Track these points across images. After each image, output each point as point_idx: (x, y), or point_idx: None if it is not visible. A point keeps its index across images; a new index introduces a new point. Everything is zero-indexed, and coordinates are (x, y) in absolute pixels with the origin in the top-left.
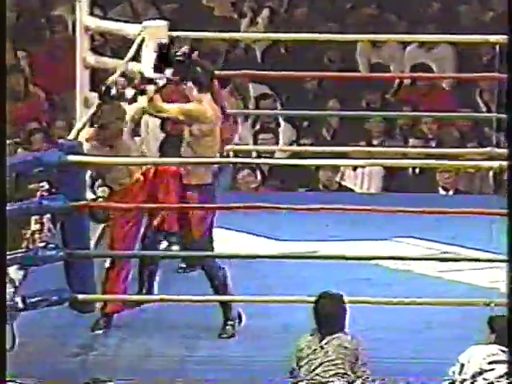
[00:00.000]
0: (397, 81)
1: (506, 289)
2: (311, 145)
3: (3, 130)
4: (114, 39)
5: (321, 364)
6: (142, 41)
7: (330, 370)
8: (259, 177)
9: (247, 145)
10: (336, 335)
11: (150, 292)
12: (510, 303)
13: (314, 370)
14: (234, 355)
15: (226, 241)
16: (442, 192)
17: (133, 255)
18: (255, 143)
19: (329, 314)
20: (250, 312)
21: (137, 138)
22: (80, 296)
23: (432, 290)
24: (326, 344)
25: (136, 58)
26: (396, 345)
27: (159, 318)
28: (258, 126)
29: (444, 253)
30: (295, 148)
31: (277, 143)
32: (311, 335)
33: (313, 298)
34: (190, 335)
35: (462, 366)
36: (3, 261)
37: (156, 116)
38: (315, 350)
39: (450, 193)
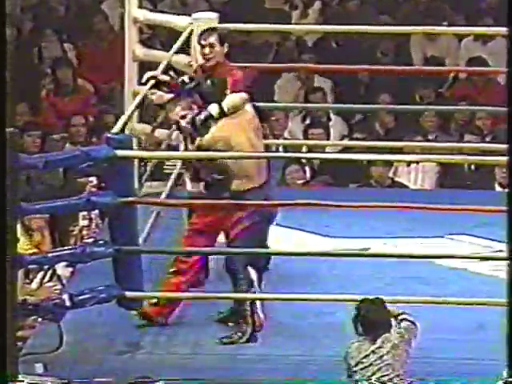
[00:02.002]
0: (451, 74)
1: (507, 285)
2: (363, 139)
3: (3, 130)
4: (163, 32)
5: (379, 369)
6: (191, 33)
7: (390, 373)
8: (309, 172)
9: (297, 139)
10: (385, 336)
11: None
12: (510, 301)
13: (372, 375)
14: (284, 354)
15: (275, 238)
16: (498, 189)
17: (180, 252)
18: (305, 138)
19: (374, 320)
20: (301, 311)
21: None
22: (128, 293)
23: (486, 290)
24: (378, 348)
25: (184, 50)
26: (449, 345)
27: (208, 315)
28: (308, 121)
29: (499, 251)
30: (347, 142)
31: (327, 138)
32: (358, 341)
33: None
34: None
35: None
36: (3, 260)
37: None
38: (367, 355)
39: (507, 189)
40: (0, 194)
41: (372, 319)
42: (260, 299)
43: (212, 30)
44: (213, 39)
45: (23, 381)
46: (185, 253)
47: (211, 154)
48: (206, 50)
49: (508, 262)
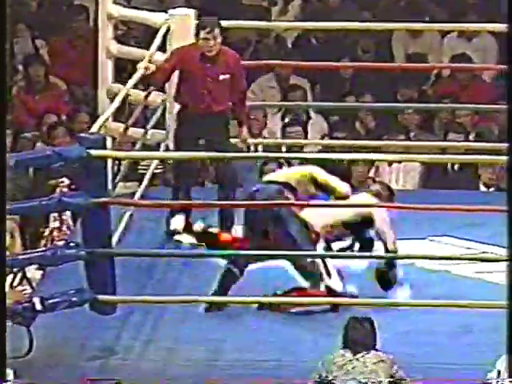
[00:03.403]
0: (434, 72)
1: (507, 288)
2: (344, 138)
3: (3, 130)
4: (138, 28)
5: (361, 373)
6: (168, 30)
7: (372, 378)
8: None
9: (276, 138)
10: (371, 352)
11: None
12: (510, 303)
13: (353, 378)
14: (261, 359)
15: None
16: (482, 189)
17: (155, 254)
18: (284, 137)
19: (355, 339)
20: (280, 316)
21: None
22: (100, 297)
23: (470, 292)
24: (362, 357)
25: (161, 47)
26: (432, 349)
27: (184, 320)
28: (287, 119)
29: (483, 253)
30: (326, 141)
31: (305, 137)
32: (342, 349)
33: (350, 301)
34: (216, 338)
35: (499, 372)
36: (3, 261)
37: None
38: (351, 360)
39: (492, 190)
40: None
41: (354, 338)
42: (247, 302)
43: (214, 21)
44: (217, 31)
45: None
46: (157, 255)
47: (188, 153)
48: (211, 43)
49: (508, 263)
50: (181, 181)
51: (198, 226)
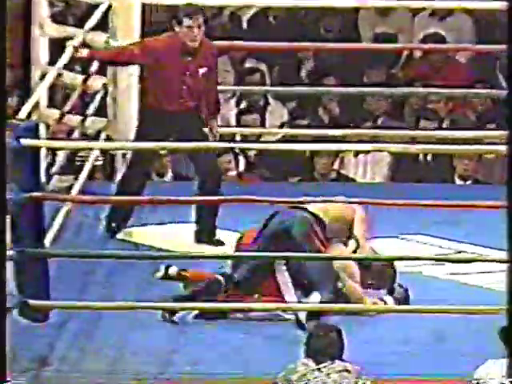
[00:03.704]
0: (405, 53)
1: (506, 289)
2: (306, 127)
3: (3, 127)
4: (78, 6)
5: (324, 383)
6: (109, 8)
7: None
8: (243, 164)
9: (230, 126)
10: (335, 361)
11: None
12: (510, 304)
13: None
14: (214, 372)
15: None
16: (458, 182)
17: (95, 254)
18: (239, 124)
19: (322, 348)
20: (236, 324)
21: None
22: (31, 301)
23: (443, 295)
24: (325, 367)
25: (101, 26)
26: (402, 358)
27: (129, 328)
28: (243, 105)
29: (458, 252)
30: (286, 130)
31: (262, 125)
32: (305, 358)
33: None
34: (162, 349)
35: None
36: (3, 260)
37: None
38: (313, 370)
39: (468, 182)
40: None
41: (317, 347)
42: (196, 309)
43: (198, 8)
44: (201, 19)
45: None
46: (97, 256)
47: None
48: (196, 31)
49: (508, 264)
50: (133, 175)
51: (173, 270)
